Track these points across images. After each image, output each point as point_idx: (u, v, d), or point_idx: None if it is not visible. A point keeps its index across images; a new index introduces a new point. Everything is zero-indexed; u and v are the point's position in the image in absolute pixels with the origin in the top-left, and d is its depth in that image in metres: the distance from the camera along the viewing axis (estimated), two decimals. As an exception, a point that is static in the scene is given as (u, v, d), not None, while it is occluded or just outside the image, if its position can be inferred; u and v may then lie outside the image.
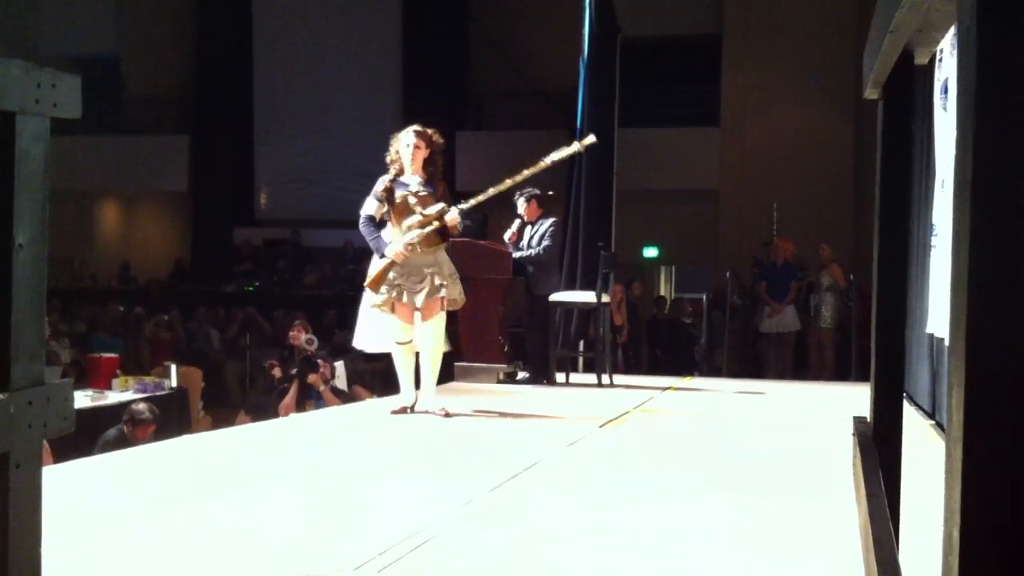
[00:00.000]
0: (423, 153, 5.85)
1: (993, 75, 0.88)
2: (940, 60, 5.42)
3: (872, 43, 1.94)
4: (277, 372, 8.97)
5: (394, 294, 5.74)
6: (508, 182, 6.04)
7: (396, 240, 5.76)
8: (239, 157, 18.69)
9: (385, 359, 13.27)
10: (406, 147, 5.86)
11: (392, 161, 5.93)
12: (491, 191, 5.96)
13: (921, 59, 1.87)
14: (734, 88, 15.82)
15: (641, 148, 14.62)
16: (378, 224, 5.86)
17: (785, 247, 12.16)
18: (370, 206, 5.86)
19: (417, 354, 5.97)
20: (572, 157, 7.40)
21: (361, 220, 5.89)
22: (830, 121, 15.16)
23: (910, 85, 1.95)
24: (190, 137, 18.60)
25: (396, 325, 5.87)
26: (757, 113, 15.58)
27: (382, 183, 5.86)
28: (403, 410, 5.99)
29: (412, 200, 5.76)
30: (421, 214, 5.73)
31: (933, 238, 5.84)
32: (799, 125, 15.24)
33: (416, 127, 5.94)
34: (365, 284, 5.93)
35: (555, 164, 6.13)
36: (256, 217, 18.99)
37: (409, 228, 5.74)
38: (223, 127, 18.52)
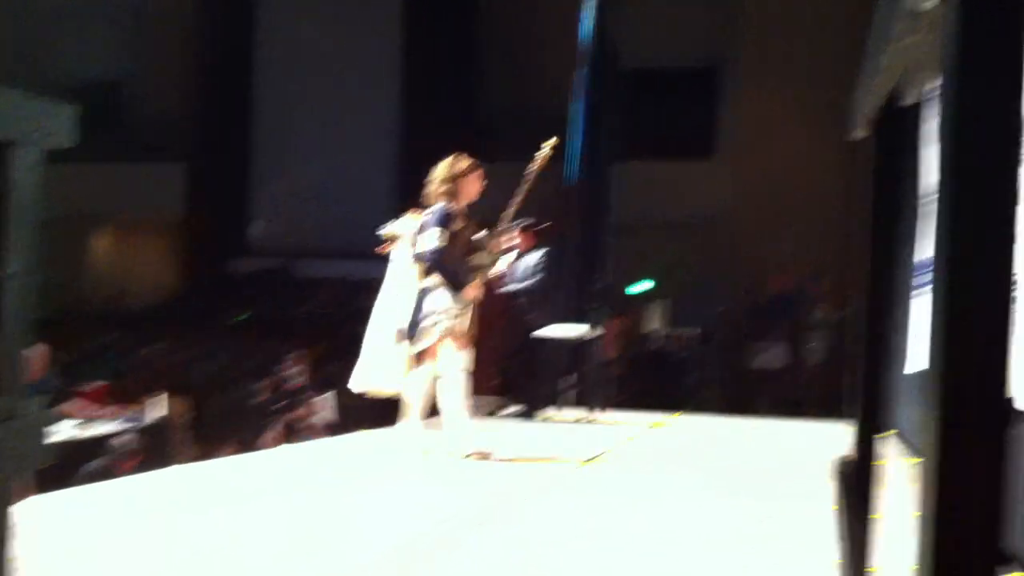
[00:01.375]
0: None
1: (973, 120, 0.89)
2: (928, 100, 5.45)
3: (861, 84, 1.96)
4: (260, 405, 8.97)
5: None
6: (512, 211, 5.85)
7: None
8: (235, 186, 18.71)
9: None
10: (475, 179, 5.62)
11: (449, 192, 5.57)
12: (506, 221, 5.79)
13: (909, 100, 1.89)
14: (731, 120, 15.89)
15: (638, 180, 14.67)
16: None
17: (777, 281, 12.20)
18: (442, 237, 5.45)
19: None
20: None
21: (432, 255, 5.45)
22: (824, 155, 15.20)
23: (899, 126, 1.96)
24: (186, 166, 18.61)
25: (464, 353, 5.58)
26: (753, 146, 15.64)
27: (447, 214, 5.52)
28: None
29: (468, 233, 5.55)
30: (489, 251, 5.57)
31: (918, 277, 5.87)
32: (796, 157, 15.30)
33: (468, 157, 5.72)
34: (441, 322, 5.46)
35: (535, 178, 5.93)
36: (249, 247, 18.98)
37: (475, 264, 5.55)
38: (219, 156, 18.54)
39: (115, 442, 7.48)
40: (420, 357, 5.55)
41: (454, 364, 5.50)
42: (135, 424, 8.94)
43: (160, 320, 16.77)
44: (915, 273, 5.86)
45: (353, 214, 17.99)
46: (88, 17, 18.78)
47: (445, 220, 5.46)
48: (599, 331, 8.27)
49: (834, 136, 15.25)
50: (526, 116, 15.85)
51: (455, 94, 17.22)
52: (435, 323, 5.40)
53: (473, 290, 5.46)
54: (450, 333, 5.42)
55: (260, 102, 18.71)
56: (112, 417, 9.25)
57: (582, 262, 9.85)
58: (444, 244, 5.43)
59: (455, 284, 5.44)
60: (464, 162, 5.69)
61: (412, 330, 5.48)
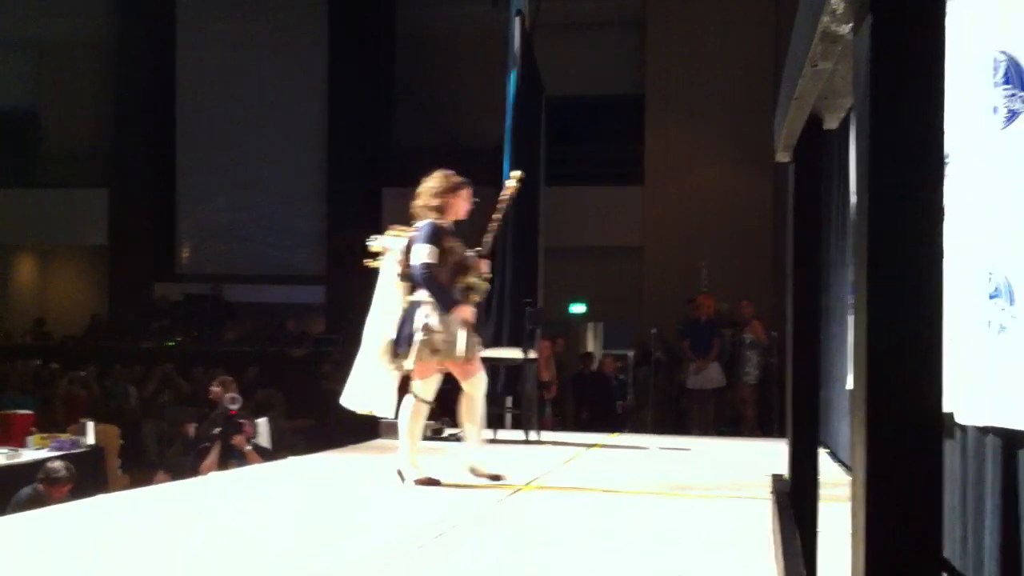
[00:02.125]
0: None
1: (886, 142, 0.93)
2: (853, 123, 5.59)
3: (780, 109, 2.02)
4: (191, 431, 8.83)
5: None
6: (491, 236, 5.73)
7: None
8: (160, 211, 18.48)
9: (311, 416, 13.03)
10: (465, 197, 5.51)
11: (439, 207, 5.43)
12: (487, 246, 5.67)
13: (830, 124, 1.95)
14: (656, 147, 16.10)
15: (566, 205, 14.80)
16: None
17: (707, 303, 12.35)
18: (432, 254, 5.28)
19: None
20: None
21: (423, 270, 5.26)
22: (749, 180, 15.49)
23: (819, 149, 2.02)
24: (109, 190, 18.34)
25: (434, 383, 5.46)
26: (679, 172, 15.85)
27: (437, 229, 5.35)
28: (430, 481, 5.38)
29: (457, 251, 5.41)
30: (479, 270, 5.45)
31: (851, 297, 5.99)
32: (720, 184, 15.54)
33: (456, 175, 5.59)
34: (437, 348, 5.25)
35: (509, 206, 5.97)
36: (177, 272, 18.74)
37: (467, 283, 5.40)
38: (143, 181, 18.29)
39: (44, 470, 7.31)
40: (409, 375, 5.39)
41: (421, 388, 5.39)
42: (64, 452, 8.76)
43: (85, 347, 16.48)
44: (851, 292, 5.99)
45: (280, 239, 17.91)
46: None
47: (435, 236, 5.32)
48: (532, 354, 8.29)
49: (761, 162, 15.62)
50: (446, 148, 15.95)
51: (377, 126, 17.24)
52: (421, 340, 5.20)
53: (466, 311, 5.30)
54: (435, 352, 5.24)
55: (184, 127, 18.55)
56: (40, 445, 9.05)
57: (514, 286, 9.90)
58: (433, 260, 5.28)
59: (445, 302, 5.25)
60: (455, 178, 5.57)
61: (399, 346, 5.28)
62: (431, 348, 5.21)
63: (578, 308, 16.59)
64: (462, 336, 5.26)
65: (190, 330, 17.29)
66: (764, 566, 3.03)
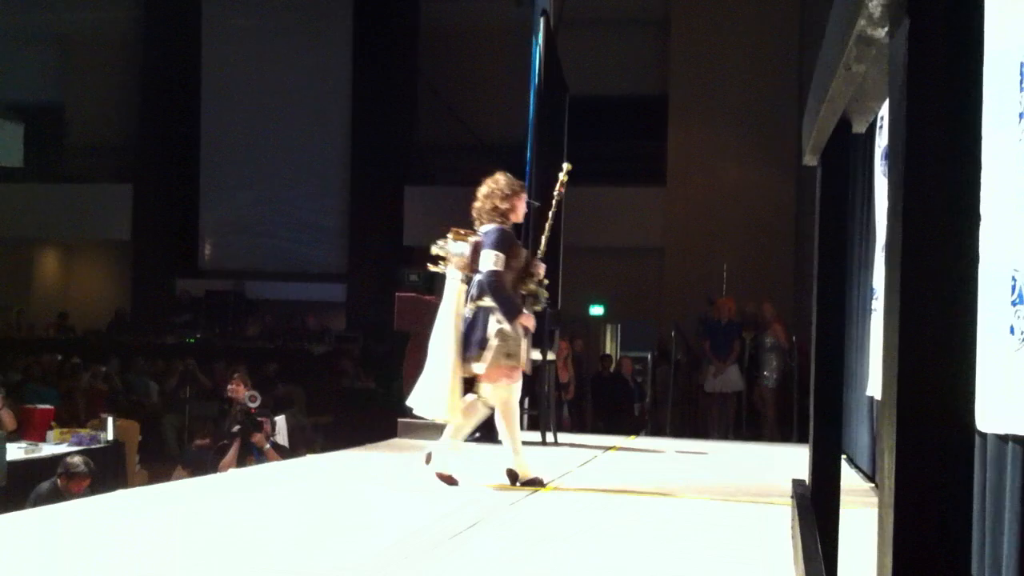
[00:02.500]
0: None
1: (922, 146, 0.91)
2: (880, 127, 5.55)
3: (810, 111, 1.99)
4: (206, 443, 8.94)
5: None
6: (545, 236, 5.77)
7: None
8: (183, 207, 18.56)
9: (330, 413, 13.06)
10: (524, 200, 5.50)
11: (505, 212, 5.41)
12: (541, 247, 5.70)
13: (858, 127, 1.92)
14: (679, 147, 16.05)
15: (587, 205, 14.75)
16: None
17: (728, 305, 12.28)
18: (500, 261, 5.26)
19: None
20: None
21: (491, 278, 5.23)
22: (772, 181, 15.42)
23: (847, 152, 1.99)
24: (133, 186, 18.42)
25: (506, 389, 5.40)
26: (701, 172, 15.79)
27: (507, 236, 5.34)
28: (450, 479, 5.38)
29: (523, 256, 5.42)
30: (535, 278, 5.44)
31: (874, 301, 5.95)
32: (742, 185, 15.47)
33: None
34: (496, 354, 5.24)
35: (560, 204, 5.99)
36: (199, 268, 18.81)
37: (529, 290, 5.42)
38: (167, 177, 18.37)
39: (64, 465, 7.35)
40: (474, 381, 5.40)
41: (501, 393, 5.38)
42: (83, 447, 8.80)
43: (108, 341, 16.57)
44: (873, 296, 5.93)
45: (302, 235, 17.96)
46: (19, 41, 18.56)
47: (505, 243, 5.29)
48: (551, 355, 8.27)
49: (783, 163, 15.55)
50: (469, 146, 15.94)
51: (399, 123, 17.26)
52: (496, 346, 5.21)
53: (529, 319, 5.31)
54: (509, 357, 5.25)
55: (208, 123, 18.59)
56: (60, 440, 9.10)
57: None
58: (501, 268, 5.24)
59: (512, 311, 5.23)
60: (517, 180, 5.56)
61: (468, 350, 5.28)
62: (506, 353, 5.22)
63: (596, 310, 16.54)
64: (525, 345, 5.30)
65: (212, 326, 17.36)
66: (784, 572, 3.01)
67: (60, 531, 3.96)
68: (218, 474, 7.11)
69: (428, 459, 5.43)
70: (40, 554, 3.52)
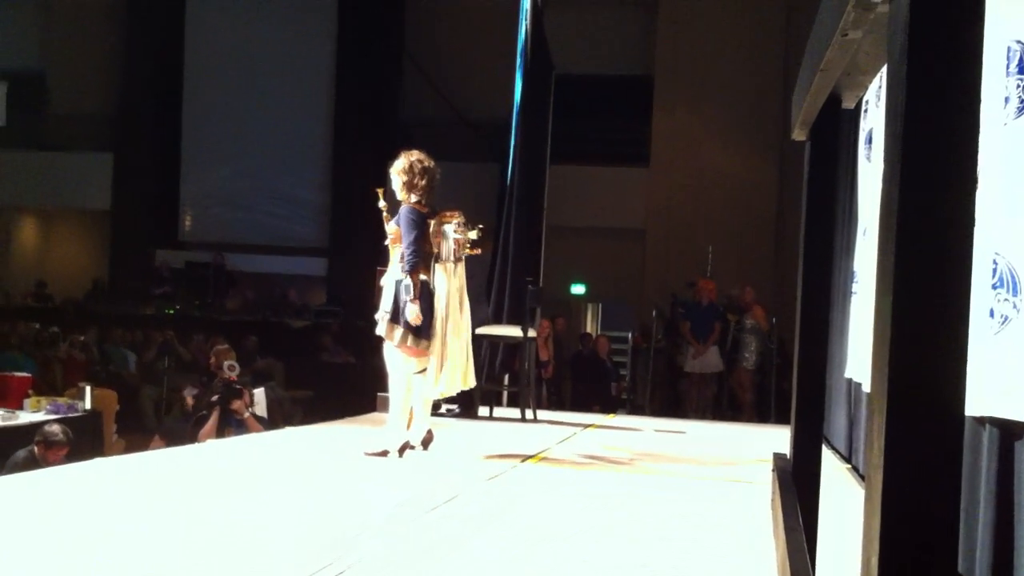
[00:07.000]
0: None
1: (922, 109, 0.91)
2: (866, 111, 5.57)
3: (802, 82, 1.99)
4: (190, 401, 8.84)
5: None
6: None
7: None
8: (164, 178, 18.42)
9: (309, 387, 13.04)
10: (437, 178, 5.75)
11: (416, 186, 5.71)
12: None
13: (848, 103, 1.93)
14: (663, 129, 16.04)
15: (570, 184, 14.74)
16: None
17: (708, 287, 12.31)
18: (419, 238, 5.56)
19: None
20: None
21: (414, 258, 5.50)
22: (756, 165, 15.44)
23: (836, 128, 2.00)
24: (113, 155, 18.28)
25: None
26: (685, 154, 15.80)
27: (419, 214, 5.62)
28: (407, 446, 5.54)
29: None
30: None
31: (854, 285, 5.98)
32: (725, 167, 15.49)
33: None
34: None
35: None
36: (179, 239, 18.70)
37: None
38: (148, 147, 18.24)
39: (42, 433, 7.31)
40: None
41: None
42: (61, 415, 8.76)
43: (86, 311, 16.47)
44: (853, 280, 5.96)
45: (283, 209, 17.88)
46: (1, 5, 18.36)
47: (419, 220, 5.68)
48: (532, 333, 8.28)
49: (767, 147, 15.56)
50: (453, 122, 15.88)
51: (383, 99, 17.17)
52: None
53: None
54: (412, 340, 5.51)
55: (191, 94, 18.45)
56: (36, 408, 9.06)
57: (516, 264, 9.86)
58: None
59: (413, 295, 5.48)
60: (428, 163, 5.91)
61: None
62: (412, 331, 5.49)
63: (578, 289, 16.56)
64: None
65: (191, 298, 17.27)
66: (763, 546, 3.03)
67: (36, 498, 3.95)
68: (195, 444, 7.09)
69: (402, 452, 5.48)
70: (16, 521, 3.51)
